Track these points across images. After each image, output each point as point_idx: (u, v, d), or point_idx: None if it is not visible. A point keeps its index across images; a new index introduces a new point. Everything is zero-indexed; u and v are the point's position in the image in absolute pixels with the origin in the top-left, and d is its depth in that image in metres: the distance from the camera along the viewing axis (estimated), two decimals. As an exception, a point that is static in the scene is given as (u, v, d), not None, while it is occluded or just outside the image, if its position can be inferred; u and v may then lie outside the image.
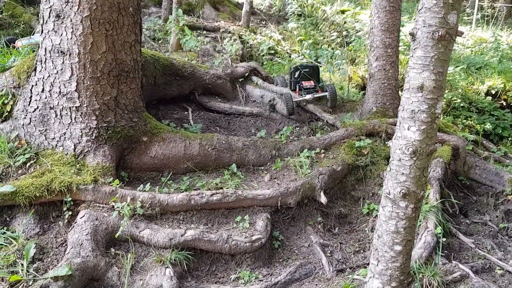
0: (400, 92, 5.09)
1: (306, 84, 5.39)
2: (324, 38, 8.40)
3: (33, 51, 4.50)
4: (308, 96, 5.16)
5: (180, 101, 5.56)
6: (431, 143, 2.02)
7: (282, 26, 9.51)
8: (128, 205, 3.31)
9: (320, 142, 4.31)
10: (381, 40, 4.74)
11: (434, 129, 2.01)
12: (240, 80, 5.86)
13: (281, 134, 4.59)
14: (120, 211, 3.28)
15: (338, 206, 3.95)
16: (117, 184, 3.41)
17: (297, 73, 5.49)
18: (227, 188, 3.72)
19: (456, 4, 1.89)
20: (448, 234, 3.58)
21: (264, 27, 9.40)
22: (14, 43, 5.43)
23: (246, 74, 5.87)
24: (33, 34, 5.65)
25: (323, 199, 3.71)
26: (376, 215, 3.84)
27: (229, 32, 8.22)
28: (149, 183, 3.61)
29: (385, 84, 4.79)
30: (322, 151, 4.23)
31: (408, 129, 2.01)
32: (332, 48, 7.60)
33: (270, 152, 4.24)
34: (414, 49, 1.97)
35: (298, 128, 4.94)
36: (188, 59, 5.96)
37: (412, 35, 1.97)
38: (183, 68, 5.37)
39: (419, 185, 2.07)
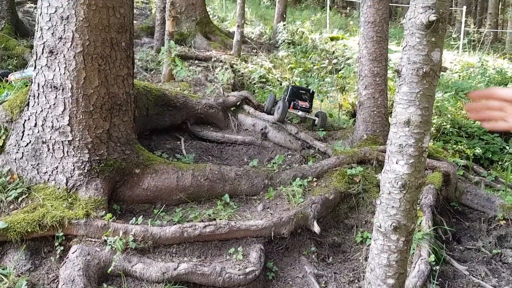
0: (389, 119, 5.17)
1: (302, 103, 5.57)
2: (314, 65, 8.55)
3: (26, 85, 4.54)
4: (300, 113, 5.46)
5: (172, 131, 5.60)
6: (420, 176, 2.06)
7: (272, 54, 9.68)
8: (120, 239, 3.29)
9: (312, 170, 4.34)
10: (369, 69, 4.85)
11: (422, 162, 2.05)
12: (232, 109, 5.92)
13: (273, 163, 4.62)
14: (113, 246, 3.25)
15: (331, 235, 3.95)
16: (110, 218, 3.39)
17: (294, 91, 5.73)
18: (220, 219, 3.72)
19: (439, 42, 1.96)
20: (441, 261, 3.59)
21: (255, 55, 9.56)
22: (7, 76, 5.46)
23: (238, 103, 5.94)
24: (26, 68, 5.69)
25: (316, 228, 3.71)
26: (370, 244, 3.85)
27: (221, 61, 8.33)
28: (141, 216, 3.60)
29: (375, 112, 4.88)
30: (315, 179, 4.26)
31: (396, 163, 2.04)
32: (322, 76, 7.73)
33: (263, 181, 4.26)
34: (399, 85, 2.03)
35: (290, 156, 4.98)
36: (180, 89, 6.03)
37: (398, 71, 2.03)
38: (175, 99, 5.42)
39: (410, 218, 2.09)
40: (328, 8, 14.50)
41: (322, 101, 6.01)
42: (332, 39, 10.74)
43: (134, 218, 3.58)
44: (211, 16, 11.36)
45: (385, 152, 4.26)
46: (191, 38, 9.75)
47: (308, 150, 4.97)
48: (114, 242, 3.25)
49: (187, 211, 3.90)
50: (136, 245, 3.33)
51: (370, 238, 3.85)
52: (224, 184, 4.21)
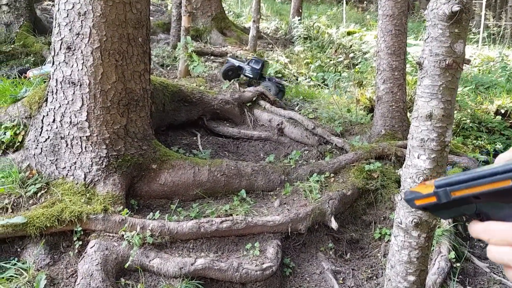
0: (408, 114, 5.09)
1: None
2: (330, 60, 8.46)
3: (44, 81, 4.58)
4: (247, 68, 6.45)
5: (188, 126, 5.60)
6: (442, 171, 2.01)
7: (288, 49, 9.61)
8: (138, 234, 3.30)
9: (329, 166, 4.29)
10: (387, 63, 4.76)
11: (444, 157, 2.00)
12: (248, 104, 5.90)
13: (290, 159, 4.59)
14: (130, 241, 3.27)
15: (349, 231, 3.90)
16: (127, 213, 3.41)
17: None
18: (236, 214, 3.71)
19: (462, 33, 1.90)
20: (462, 258, 3.51)
21: (271, 50, 9.50)
22: (26, 73, 5.53)
23: (254, 99, 5.90)
24: (44, 64, 5.75)
25: (334, 224, 3.67)
26: (389, 240, 3.80)
27: (236, 57, 8.31)
28: (158, 211, 3.61)
29: (393, 107, 4.80)
30: (332, 175, 4.21)
31: (418, 158, 1.99)
32: (340, 72, 7.64)
33: (279, 177, 4.23)
34: (421, 78, 1.97)
35: (307, 151, 4.93)
36: (196, 85, 6.03)
37: (419, 64, 1.97)
38: (192, 94, 5.42)
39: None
40: (344, 2, 14.33)
41: (340, 95, 5.95)
42: (349, 33, 10.60)
43: (151, 213, 3.59)
44: (226, 12, 11.34)
45: (404, 148, 4.19)
46: (207, 33, 9.75)
47: (325, 145, 4.92)
48: (131, 237, 3.27)
49: (203, 206, 3.89)
50: (153, 240, 3.34)
51: (389, 235, 3.80)
52: (241, 180, 4.19)
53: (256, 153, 5.40)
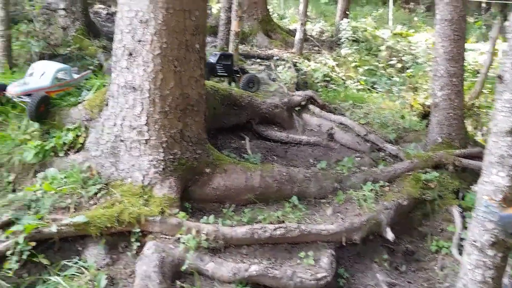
0: (465, 122, 4.90)
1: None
2: (380, 63, 8.29)
3: (104, 85, 4.70)
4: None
5: (237, 130, 5.64)
6: (522, 189, 1.91)
7: (335, 52, 9.50)
8: (193, 238, 3.35)
9: (383, 174, 4.20)
10: (445, 69, 4.61)
11: (525, 174, 1.90)
12: (297, 108, 5.87)
13: (342, 166, 4.52)
14: (186, 244, 3.32)
15: (404, 243, 3.81)
16: (184, 216, 3.47)
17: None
18: (289, 221, 3.70)
19: (548, 44, 1.81)
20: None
21: (317, 53, 9.42)
22: (4, 90, 4.41)
23: (303, 103, 5.87)
24: (25, 77, 4.59)
25: (390, 235, 3.59)
26: (446, 253, 3.67)
27: (283, 60, 8.30)
28: (212, 215, 3.65)
29: (451, 114, 4.63)
30: (386, 184, 4.12)
31: (496, 175, 1.91)
32: (392, 77, 7.48)
33: (332, 184, 4.18)
34: (501, 92, 1.89)
35: (359, 158, 4.85)
36: (244, 89, 6.05)
37: (500, 77, 1.89)
38: (241, 98, 5.45)
39: (509, 233, 1.95)
40: (391, 3, 14.01)
41: (394, 101, 5.81)
42: (395, 35, 10.36)
43: (205, 217, 3.63)
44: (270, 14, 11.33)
45: (463, 157, 4.03)
46: (252, 36, 9.79)
47: (378, 152, 4.82)
48: (187, 240, 3.31)
49: (255, 212, 3.90)
50: (208, 244, 3.38)
51: (446, 247, 3.68)
52: (293, 186, 4.18)
53: (305, 159, 5.36)
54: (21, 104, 4.41)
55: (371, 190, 3.98)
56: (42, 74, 4.56)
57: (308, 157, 5.35)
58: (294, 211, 3.93)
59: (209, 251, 3.40)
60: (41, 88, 4.40)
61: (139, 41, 3.56)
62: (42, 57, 6.99)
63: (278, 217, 3.79)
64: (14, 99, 4.42)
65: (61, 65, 4.77)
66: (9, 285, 3.02)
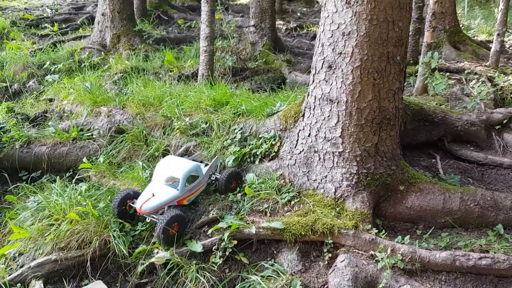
0: None
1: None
2: None
3: (299, 97, 4.86)
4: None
5: (425, 147, 5.27)
6: None
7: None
8: (388, 257, 3.20)
9: None
10: None
11: None
12: (497, 127, 5.23)
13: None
14: (382, 262, 3.18)
15: None
16: (379, 234, 3.35)
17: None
18: (493, 252, 3.27)
19: None
20: None
21: (517, 66, 8.29)
22: None
23: (505, 121, 5.20)
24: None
25: None
26: None
27: (475, 73, 7.51)
28: (408, 236, 3.44)
29: None
30: None
31: None
32: None
33: (551, 216, 3.56)
34: None
35: None
36: (436, 104, 5.65)
37: None
38: (434, 114, 5.09)
39: None
40: None
41: None
42: None
43: (399, 237, 3.44)
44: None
45: None
46: (438, 48, 9.14)
47: None
48: (383, 259, 3.18)
49: (453, 237, 3.56)
50: (404, 266, 3.19)
51: None
52: (497, 213, 3.71)
53: (507, 183, 4.72)
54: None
55: None
56: (167, 178, 3.80)
57: (510, 181, 4.70)
58: (500, 241, 3.46)
59: (405, 273, 3.20)
60: (172, 200, 3.64)
61: (340, 53, 3.60)
62: (234, 72, 7.70)
63: (480, 245, 3.38)
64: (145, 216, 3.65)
65: (190, 165, 3.81)
66: (214, 278, 3.32)
